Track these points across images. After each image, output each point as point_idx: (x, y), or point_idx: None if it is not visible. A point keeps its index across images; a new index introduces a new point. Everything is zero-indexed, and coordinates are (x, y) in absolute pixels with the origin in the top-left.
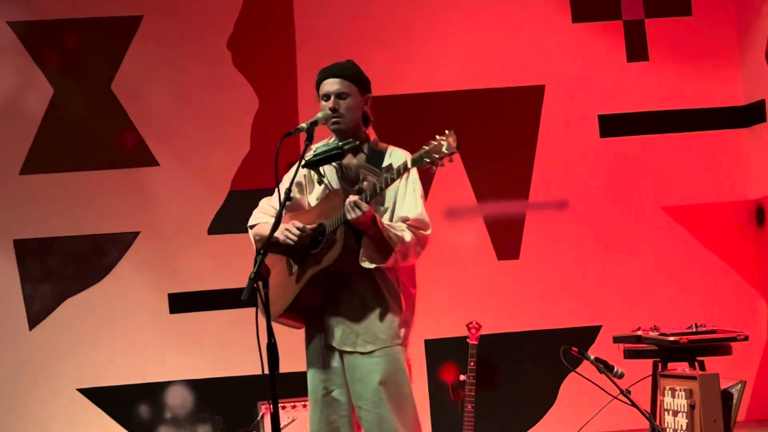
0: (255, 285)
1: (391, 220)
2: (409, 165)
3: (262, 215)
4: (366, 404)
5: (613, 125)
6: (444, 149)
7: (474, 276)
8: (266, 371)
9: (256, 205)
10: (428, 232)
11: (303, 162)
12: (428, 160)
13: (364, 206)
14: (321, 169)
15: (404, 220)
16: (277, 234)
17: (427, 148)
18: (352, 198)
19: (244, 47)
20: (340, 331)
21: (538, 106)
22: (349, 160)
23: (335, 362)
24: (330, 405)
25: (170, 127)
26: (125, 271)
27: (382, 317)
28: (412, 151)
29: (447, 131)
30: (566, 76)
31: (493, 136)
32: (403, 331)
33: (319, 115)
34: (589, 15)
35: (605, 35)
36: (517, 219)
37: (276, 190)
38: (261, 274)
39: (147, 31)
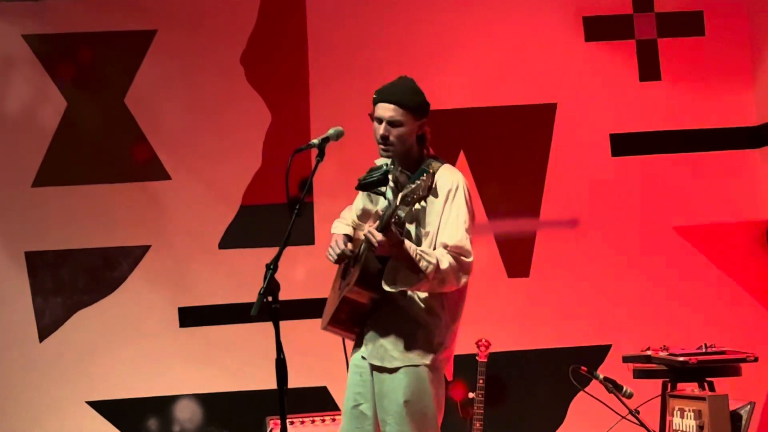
0: (264, 300)
1: (432, 244)
2: (398, 202)
3: (338, 223)
4: (390, 420)
5: (625, 144)
6: (421, 191)
7: (484, 293)
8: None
9: (267, 220)
10: (470, 259)
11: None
12: (411, 198)
13: (376, 238)
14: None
15: (444, 246)
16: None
17: (413, 186)
18: (367, 230)
19: (257, 62)
20: (371, 344)
21: (549, 125)
22: (403, 178)
23: (366, 375)
24: (357, 418)
25: (182, 141)
26: (136, 285)
27: (413, 335)
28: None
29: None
30: (578, 95)
31: (504, 153)
32: (433, 352)
33: (331, 131)
34: (602, 34)
35: (618, 54)
36: (528, 237)
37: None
38: (271, 289)
39: (161, 45)
